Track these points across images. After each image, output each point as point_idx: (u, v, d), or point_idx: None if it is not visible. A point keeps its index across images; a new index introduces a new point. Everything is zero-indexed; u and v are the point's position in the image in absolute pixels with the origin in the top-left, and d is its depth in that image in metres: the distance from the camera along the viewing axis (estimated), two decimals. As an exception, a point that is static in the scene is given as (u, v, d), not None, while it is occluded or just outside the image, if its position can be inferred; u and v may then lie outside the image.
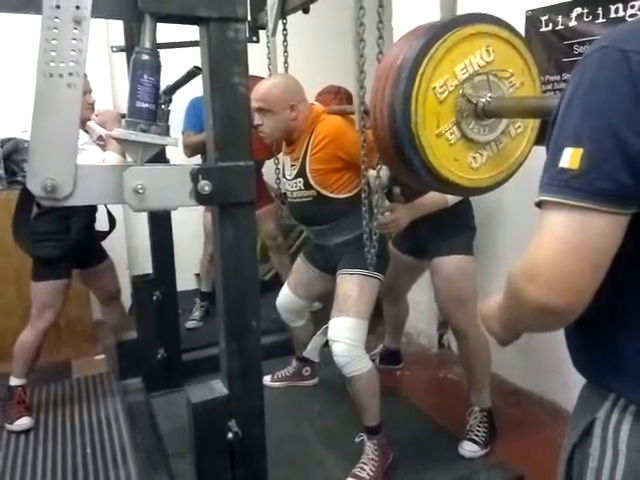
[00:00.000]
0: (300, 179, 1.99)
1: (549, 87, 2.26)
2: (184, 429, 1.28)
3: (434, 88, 1.14)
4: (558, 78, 2.22)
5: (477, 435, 2.01)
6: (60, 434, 2.33)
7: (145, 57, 1.03)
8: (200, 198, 1.08)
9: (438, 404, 2.45)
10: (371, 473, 1.85)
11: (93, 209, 2.38)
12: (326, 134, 1.89)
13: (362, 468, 1.86)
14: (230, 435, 1.20)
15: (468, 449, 1.98)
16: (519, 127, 1.27)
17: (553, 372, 2.28)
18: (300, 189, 2.01)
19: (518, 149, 1.28)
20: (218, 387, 1.25)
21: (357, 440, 1.94)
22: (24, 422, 2.35)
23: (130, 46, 2.00)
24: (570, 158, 0.63)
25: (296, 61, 2.17)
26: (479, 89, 1.18)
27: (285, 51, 2.11)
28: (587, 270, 0.64)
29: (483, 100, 1.17)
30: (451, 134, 1.18)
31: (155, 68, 1.04)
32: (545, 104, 1.04)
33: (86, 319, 3.13)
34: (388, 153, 1.25)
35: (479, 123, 1.20)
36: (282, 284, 2.48)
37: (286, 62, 2.14)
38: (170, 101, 1.68)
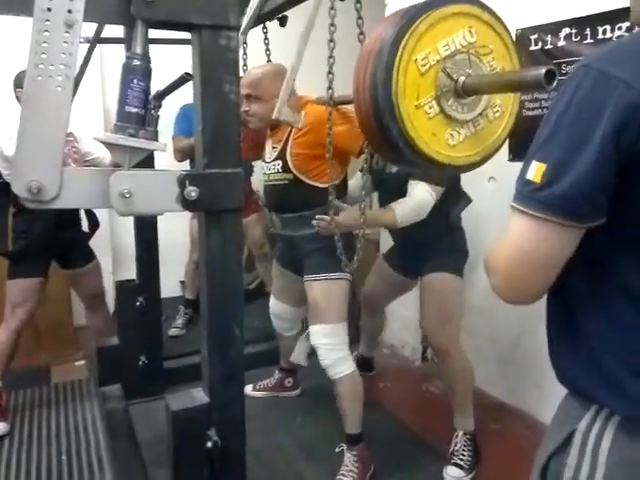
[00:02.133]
0: (279, 161, 1.97)
1: (537, 105, 2.30)
2: (163, 438, 1.26)
3: (416, 60, 1.17)
4: (546, 96, 2.26)
5: (462, 459, 1.99)
6: (36, 440, 2.28)
7: (136, 62, 1.03)
8: (186, 204, 1.08)
9: (420, 417, 2.45)
10: (351, 485, 1.84)
11: (58, 211, 2.37)
12: (311, 120, 1.85)
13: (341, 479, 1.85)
14: (209, 444, 1.19)
15: (453, 475, 1.96)
16: (497, 111, 1.30)
17: (534, 386, 2.30)
18: (278, 171, 1.98)
19: (495, 133, 1.31)
20: (199, 395, 1.24)
21: (337, 450, 1.94)
22: (-1, 428, 2.30)
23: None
24: (535, 171, 0.68)
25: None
26: (460, 66, 1.21)
27: (268, 60, 2.11)
28: (538, 276, 0.72)
29: (463, 77, 1.19)
30: (430, 107, 1.20)
31: (145, 73, 1.04)
32: (523, 76, 1.05)
33: (67, 324, 3.08)
34: (369, 125, 1.26)
35: (458, 101, 1.22)
36: (266, 293, 2.48)
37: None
38: (160, 106, 1.69)
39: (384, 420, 2.32)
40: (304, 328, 2.42)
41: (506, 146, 2.33)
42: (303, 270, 2.02)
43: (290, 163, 1.93)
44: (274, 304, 2.35)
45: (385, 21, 1.28)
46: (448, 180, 1.95)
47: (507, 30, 1.27)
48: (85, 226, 2.61)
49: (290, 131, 1.93)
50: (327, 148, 1.60)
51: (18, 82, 2.25)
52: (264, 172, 2.07)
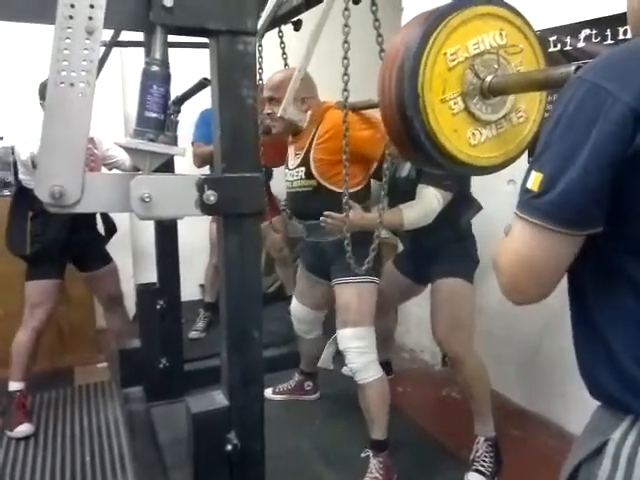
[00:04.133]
0: (302, 168, 1.98)
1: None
2: (183, 440, 1.27)
3: (445, 54, 1.16)
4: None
5: (483, 466, 1.96)
6: (60, 441, 2.32)
7: (155, 68, 1.04)
8: (205, 208, 1.09)
9: (440, 422, 2.42)
10: (375, 492, 1.83)
11: (73, 215, 2.42)
12: (333, 125, 1.86)
13: (366, 486, 1.84)
14: (229, 447, 1.20)
15: None
16: (521, 116, 1.29)
17: (557, 394, 2.26)
18: (301, 178, 1.99)
19: (517, 138, 1.30)
20: (219, 398, 1.25)
21: (363, 455, 1.93)
22: (24, 429, 2.34)
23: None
24: (533, 180, 0.71)
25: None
26: (488, 66, 1.20)
27: (285, 64, 2.11)
28: (539, 279, 0.75)
29: (490, 77, 1.19)
30: (455, 103, 1.19)
31: (165, 79, 1.06)
32: (551, 74, 1.04)
33: (90, 326, 3.13)
34: (392, 117, 1.25)
35: (483, 101, 1.21)
36: (286, 297, 2.48)
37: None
38: (179, 111, 1.71)
39: (404, 425, 2.30)
40: (326, 332, 2.43)
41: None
42: (331, 274, 2.02)
43: (313, 169, 1.95)
44: (296, 306, 2.35)
45: (415, 20, 1.26)
46: (457, 186, 1.95)
47: (538, 39, 1.27)
48: (102, 229, 2.66)
49: (313, 137, 1.95)
50: (343, 149, 1.59)
51: (42, 93, 2.30)
52: (287, 179, 2.08)
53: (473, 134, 1.25)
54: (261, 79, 2.16)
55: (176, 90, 1.53)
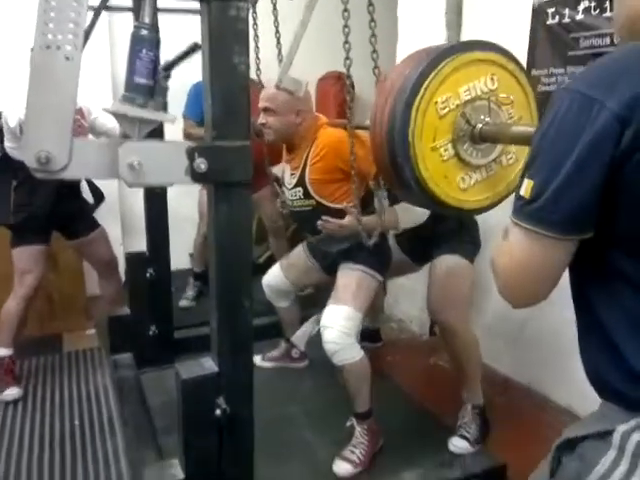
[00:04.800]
0: (299, 188, 2.03)
1: (553, 80, 2.25)
2: (173, 405, 1.29)
3: (436, 102, 1.18)
4: (562, 71, 2.21)
5: (468, 432, 2.00)
6: (49, 406, 2.35)
7: (144, 32, 1.02)
8: (195, 176, 1.08)
9: (427, 390, 2.48)
10: (361, 457, 1.87)
11: (61, 182, 2.39)
12: (326, 144, 1.93)
13: (352, 451, 1.88)
14: (218, 411, 1.22)
15: (458, 445, 1.97)
16: (511, 158, 1.30)
17: (542, 364, 2.31)
18: (300, 198, 2.04)
19: (507, 179, 1.31)
20: (208, 364, 1.26)
21: (347, 424, 1.96)
22: (13, 392, 2.37)
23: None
24: (525, 187, 0.73)
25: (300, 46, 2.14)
26: (479, 113, 1.22)
27: (277, 32, 2.08)
28: (534, 283, 0.77)
29: (481, 124, 1.21)
30: (445, 150, 1.22)
31: (154, 43, 1.04)
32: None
33: (79, 294, 3.13)
34: (382, 160, 1.29)
35: (474, 146, 1.24)
36: (276, 266, 2.49)
37: (279, 43, 2.11)
38: (169, 77, 1.67)
39: (392, 392, 2.35)
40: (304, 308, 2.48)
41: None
42: (335, 266, 2.05)
43: (310, 189, 1.99)
44: (275, 276, 2.36)
45: (410, 58, 1.28)
46: None
47: (529, 80, 1.27)
48: (89, 197, 2.64)
49: (306, 158, 1.98)
50: (351, 150, 1.63)
51: None
52: (287, 197, 2.13)
53: (463, 179, 1.28)
54: (257, 47, 2.12)
55: (166, 55, 1.50)
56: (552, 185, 0.70)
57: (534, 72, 2.32)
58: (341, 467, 1.85)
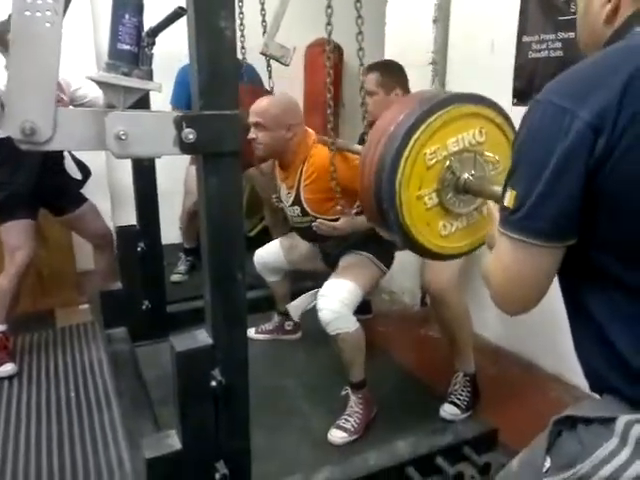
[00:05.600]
0: (297, 207, 2.07)
1: (543, 46, 2.22)
2: (168, 377, 1.30)
3: (425, 154, 1.22)
4: (553, 37, 2.17)
5: (459, 399, 2.03)
6: (44, 380, 2.35)
7: (127, -5, 0.98)
8: (184, 146, 1.06)
9: (418, 360, 2.51)
10: (355, 425, 1.90)
11: (42, 159, 2.38)
12: (316, 168, 1.96)
13: (346, 420, 1.91)
14: (214, 383, 1.23)
15: (449, 411, 2.00)
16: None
17: (531, 333, 2.34)
18: (298, 215, 2.08)
19: (487, 227, 1.34)
20: (202, 337, 1.27)
21: (342, 394, 1.98)
22: (7, 368, 2.37)
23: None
24: (508, 198, 0.76)
25: (286, 12, 2.10)
26: (465, 165, 1.26)
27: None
28: (525, 291, 0.79)
29: (466, 176, 1.25)
30: (429, 199, 1.26)
31: (137, 8, 1.00)
32: None
33: (70, 269, 3.11)
34: (369, 202, 1.32)
35: (457, 195, 1.28)
36: (269, 241, 2.48)
37: (263, 9, 2.06)
38: (153, 44, 1.62)
39: (384, 362, 2.38)
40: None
41: (510, 90, 2.32)
42: (336, 260, 2.08)
43: (307, 207, 2.03)
44: (273, 253, 2.36)
45: (403, 104, 1.30)
46: None
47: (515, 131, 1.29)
48: (76, 174, 2.60)
49: (299, 178, 2.01)
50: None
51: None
52: (288, 213, 2.17)
53: (445, 226, 1.32)
54: (242, 13, 2.07)
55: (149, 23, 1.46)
56: (533, 194, 0.72)
57: (525, 39, 2.29)
58: (336, 435, 1.88)
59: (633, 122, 0.67)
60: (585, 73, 0.73)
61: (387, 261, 2.07)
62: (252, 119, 1.94)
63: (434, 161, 1.23)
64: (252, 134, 1.96)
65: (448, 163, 1.25)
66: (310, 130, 2.09)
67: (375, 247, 2.01)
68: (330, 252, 2.18)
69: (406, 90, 2.21)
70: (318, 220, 1.95)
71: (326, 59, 1.61)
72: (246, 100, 2.05)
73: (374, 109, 2.09)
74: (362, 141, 2.07)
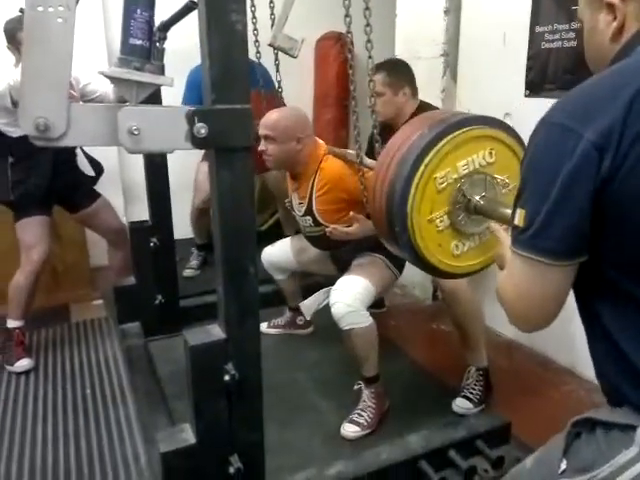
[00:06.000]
0: (309, 217, 2.07)
1: (557, 36, 2.19)
2: (182, 372, 1.30)
3: (435, 178, 1.22)
4: (567, 27, 2.14)
5: (472, 393, 2.02)
6: (60, 375, 2.38)
7: (138, -10, 0.98)
8: (196, 141, 1.06)
9: (430, 354, 2.51)
10: (368, 419, 1.90)
11: (55, 157, 2.40)
12: (328, 180, 1.97)
13: (360, 414, 1.91)
14: (227, 377, 1.23)
15: (461, 405, 2.00)
16: (504, 226, 1.32)
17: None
18: (310, 225, 2.09)
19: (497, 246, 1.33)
20: (215, 331, 1.27)
21: (355, 388, 1.98)
22: (24, 363, 2.40)
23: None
24: (518, 217, 0.77)
25: (295, 5, 2.08)
26: (475, 186, 1.27)
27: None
28: (538, 309, 0.80)
29: (477, 197, 1.26)
30: (441, 222, 1.27)
31: (149, 3, 1.00)
32: None
33: (83, 265, 3.15)
34: (381, 223, 1.34)
35: (468, 216, 1.29)
36: (280, 235, 2.48)
37: (272, 2, 2.05)
38: (165, 38, 1.62)
39: (396, 356, 2.37)
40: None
41: (522, 81, 2.29)
42: (346, 264, 2.06)
43: (319, 218, 2.04)
44: (283, 253, 2.36)
45: (412, 126, 1.29)
46: None
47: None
48: (89, 170, 2.62)
49: (312, 189, 2.02)
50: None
51: (9, 34, 2.21)
52: (300, 224, 2.18)
53: (457, 246, 1.33)
54: (253, 6, 2.06)
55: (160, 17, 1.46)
56: (541, 213, 0.73)
57: (538, 29, 2.26)
58: (349, 430, 1.88)
59: (637, 140, 0.67)
60: (590, 92, 0.74)
61: (399, 266, 2.05)
62: (262, 132, 1.96)
63: (445, 185, 1.24)
64: (262, 146, 1.98)
65: (459, 186, 1.25)
66: (320, 141, 2.10)
67: (388, 251, 1.99)
68: (341, 257, 2.18)
69: (414, 88, 2.19)
70: (331, 226, 1.95)
71: (347, 51, 1.60)
72: (260, 108, 2.06)
73: (382, 109, 2.09)
74: (371, 147, 2.06)
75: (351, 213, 1.89)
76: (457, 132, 1.22)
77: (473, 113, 1.33)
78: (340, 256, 2.19)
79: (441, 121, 1.24)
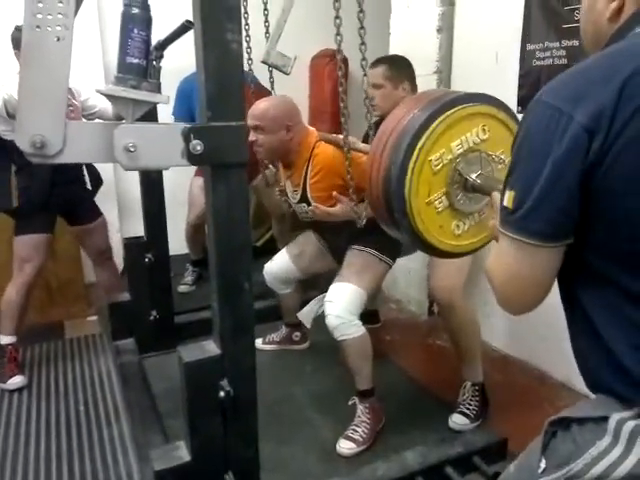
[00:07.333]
0: (304, 204, 2.07)
1: (547, 54, 2.23)
2: (177, 389, 1.29)
3: (430, 160, 1.22)
4: (557, 45, 2.18)
5: (468, 409, 2.01)
6: (53, 392, 2.36)
7: (135, 10, 1.00)
8: (192, 158, 1.07)
9: (426, 369, 2.50)
10: (364, 435, 1.89)
11: (55, 167, 2.37)
12: (322, 166, 1.96)
13: (355, 430, 1.90)
14: (222, 394, 1.23)
15: (458, 422, 1.99)
16: None
17: (539, 339, 2.33)
18: (306, 212, 2.08)
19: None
20: (210, 347, 1.27)
21: (350, 403, 1.97)
22: (17, 381, 2.37)
23: None
24: (507, 198, 0.77)
25: (289, 23, 2.11)
26: (471, 164, 1.26)
27: (265, 9, 2.06)
28: (525, 291, 0.80)
29: (473, 176, 1.26)
30: (439, 203, 1.27)
31: (146, 22, 1.02)
32: None
33: (78, 281, 3.13)
34: (380, 210, 1.34)
35: (466, 195, 1.29)
36: (276, 250, 2.48)
37: (267, 21, 2.08)
38: (161, 57, 1.64)
39: (391, 371, 2.37)
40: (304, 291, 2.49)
41: (515, 98, 2.32)
42: (351, 244, 2.05)
43: (314, 204, 2.02)
44: (283, 263, 2.34)
45: (403, 109, 1.29)
46: None
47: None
48: (88, 182, 2.62)
49: (305, 176, 2.01)
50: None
51: (16, 41, 2.22)
52: (296, 210, 2.17)
53: (457, 225, 1.33)
54: (247, 24, 2.09)
55: (157, 36, 1.48)
56: (531, 194, 0.73)
57: (529, 47, 2.30)
58: (344, 446, 1.87)
59: (630, 120, 0.68)
60: (583, 74, 0.74)
61: (393, 252, 2.03)
62: (250, 122, 1.91)
63: (440, 166, 1.23)
64: (252, 137, 1.95)
65: (454, 166, 1.24)
66: (311, 128, 2.08)
67: (380, 238, 1.91)
68: (337, 245, 2.16)
69: (414, 84, 2.19)
70: (313, 204, 1.95)
71: (338, 69, 1.61)
72: (250, 102, 2.06)
73: (381, 103, 2.09)
74: (367, 138, 2.07)
75: (334, 193, 1.87)
76: (449, 112, 1.21)
77: (462, 92, 1.31)
78: (337, 245, 2.18)
79: (431, 102, 1.24)
